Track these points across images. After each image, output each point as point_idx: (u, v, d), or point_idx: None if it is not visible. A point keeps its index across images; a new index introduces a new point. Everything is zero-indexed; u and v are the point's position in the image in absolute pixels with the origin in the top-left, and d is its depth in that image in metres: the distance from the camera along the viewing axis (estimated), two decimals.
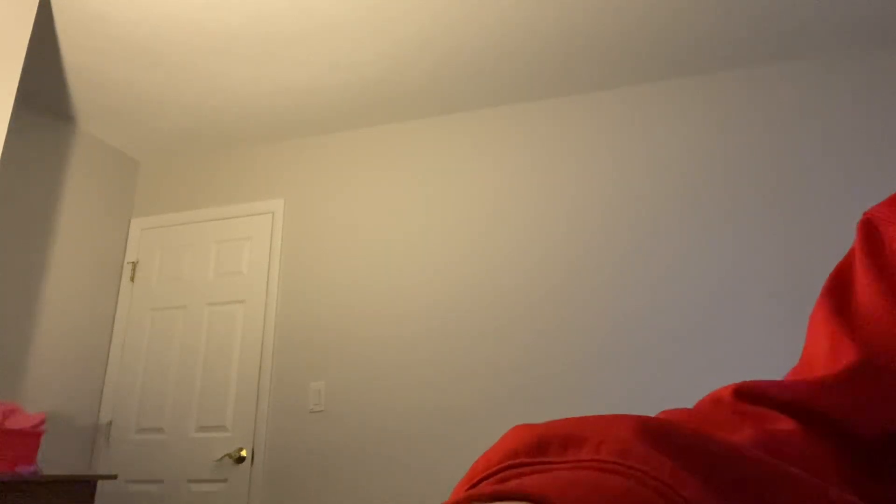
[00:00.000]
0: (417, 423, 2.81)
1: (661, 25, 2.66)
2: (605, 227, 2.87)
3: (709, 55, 2.84)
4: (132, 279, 3.41)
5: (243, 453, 2.95)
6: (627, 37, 2.72)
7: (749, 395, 0.31)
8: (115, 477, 2.64)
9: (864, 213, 0.36)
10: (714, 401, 0.31)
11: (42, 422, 2.43)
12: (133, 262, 3.43)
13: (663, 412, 0.30)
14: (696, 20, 2.63)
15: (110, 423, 3.17)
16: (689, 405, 2.56)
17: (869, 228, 0.35)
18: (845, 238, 2.57)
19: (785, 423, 0.29)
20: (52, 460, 2.92)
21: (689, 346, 2.62)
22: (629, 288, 2.75)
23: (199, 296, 3.29)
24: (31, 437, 2.41)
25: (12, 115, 2.96)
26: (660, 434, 0.23)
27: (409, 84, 3.02)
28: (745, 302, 2.60)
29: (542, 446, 0.23)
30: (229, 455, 2.96)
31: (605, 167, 2.96)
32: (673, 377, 2.60)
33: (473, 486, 0.23)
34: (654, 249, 2.78)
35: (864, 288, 0.33)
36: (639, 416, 0.24)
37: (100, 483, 3.05)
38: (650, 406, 2.59)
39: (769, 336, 2.54)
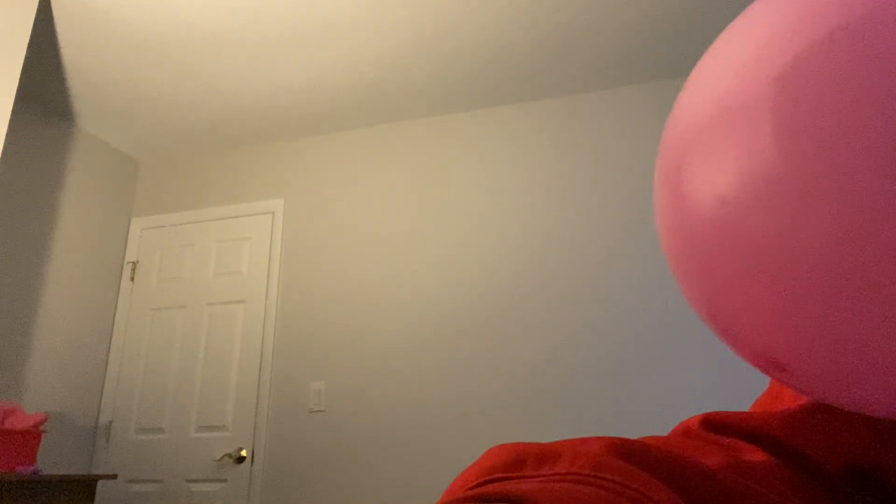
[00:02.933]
0: (417, 423, 2.81)
1: (662, 25, 2.66)
2: (613, 228, 2.87)
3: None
4: (132, 279, 3.41)
5: (243, 453, 2.95)
6: (628, 37, 2.72)
7: (717, 425, 0.31)
8: (114, 477, 2.64)
9: None
10: (684, 431, 0.32)
11: (42, 422, 2.44)
12: (133, 262, 3.43)
13: (639, 439, 0.30)
14: (697, 20, 2.63)
15: (110, 423, 3.17)
16: (690, 405, 2.57)
17: None
18: None
19: (754, 454, 0.29)
20: (52, 460, 2.92)
21: (689, 346, 2.62)
22: (631, 289, 2.75)
23: (199, 296, 3.29)
24: (31, 437, 2.41)
25: (12, 115, 2.96)
26: (632, 451, 0.24)
27: (409, 84, 3.02)
28: None
29: (518, 462, 0.23)
30: (229, 455, 2.96)
31: (609, 166, 2.96)
32: (673, 378, 2.60)
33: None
34: (653, 249, 2.78)
35: None
36: (612, 437, 0.26)
37: (100, 483, 3.05)
38: (650, 406, 2.59)
39: None
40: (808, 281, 0.24)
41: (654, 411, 2.58)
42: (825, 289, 0.23)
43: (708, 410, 2.33)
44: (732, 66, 0.27)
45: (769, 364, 0.28)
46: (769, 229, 0.24)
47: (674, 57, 2.86)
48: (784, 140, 0.24)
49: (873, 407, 0.26)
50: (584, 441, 0.25)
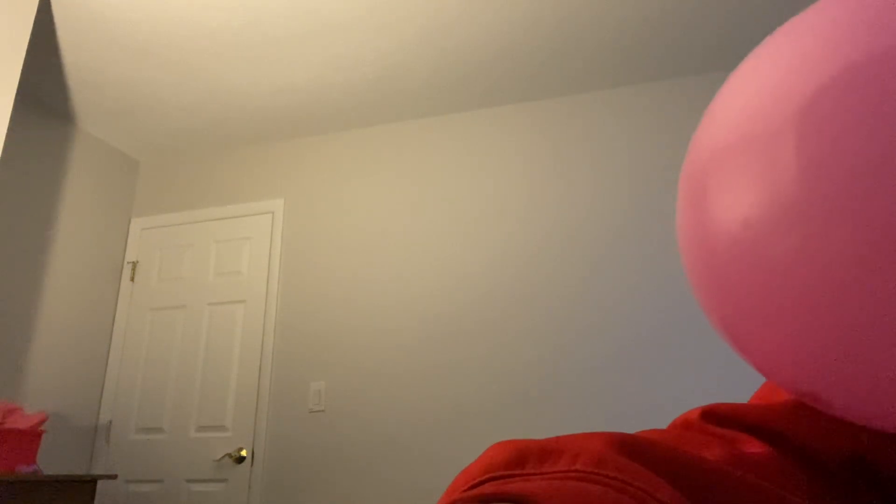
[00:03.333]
0: (417, 423, 2.81)
1: (662, 25, 2.66)
2: (612, 227, 2.87)
3: (709, 55, 2.84)
4: (132, 279, 3.41)
5: (243, 453, 2.96)
6: (628, 37, 2.72)
7: (717, 417, 0.32)
8: (114, 477, 2.64)
9: None
10: (684, 423, 0.32)
11: (42, 422, 2.44)
12: (133, 262, 3.43)
13: (636, 433, 0.30)
14: (696, 20, 2.63)
15: (110, 423, 3.17)
16: (690, 405, 2.57)
17: None
18: None
19: (754, 446, 0.29)
20: (52, 460, 2.92)
21: (689, 346, 2.62)
22: (630, 289, 2.75)
23: (199, 296, 3.29)
24: (31, 437, 2.41)
25: (12, 115, 2.96)
26: (634, 447, 0.24)
27: (409, 84, 3.02)
28: None
29: (520, 460, 0.23)
30: (229, 455, 2.97)
31: (608, 166, 2.96)
32: (673, 377, 2.60)
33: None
34: (653, 249, 2.78)
35: None
36: (613, 433, 0.25)
37: (100, 483, 3.05)
38: (651, 406, 2.59)
39: None
40: (828, 303, 0.24)
41: (655, 411, 2.58)
42: (845, 312, 0.24)
43: None
44: (758, 92, 0.27)
45: (798, 393, 0.28)
46: (790, 250, 0.25)
47: (674, 57, 2.86)
48: (806, 167, 0.24)
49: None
50: (586, 437, 0.25)
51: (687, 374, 2.59)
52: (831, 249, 0.24)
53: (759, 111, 0.27)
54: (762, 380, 2.55)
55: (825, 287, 0.24)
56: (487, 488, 0.21)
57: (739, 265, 0.27)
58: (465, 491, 0.23)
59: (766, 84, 0.27)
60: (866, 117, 0.23)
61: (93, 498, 2.57)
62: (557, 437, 0.25)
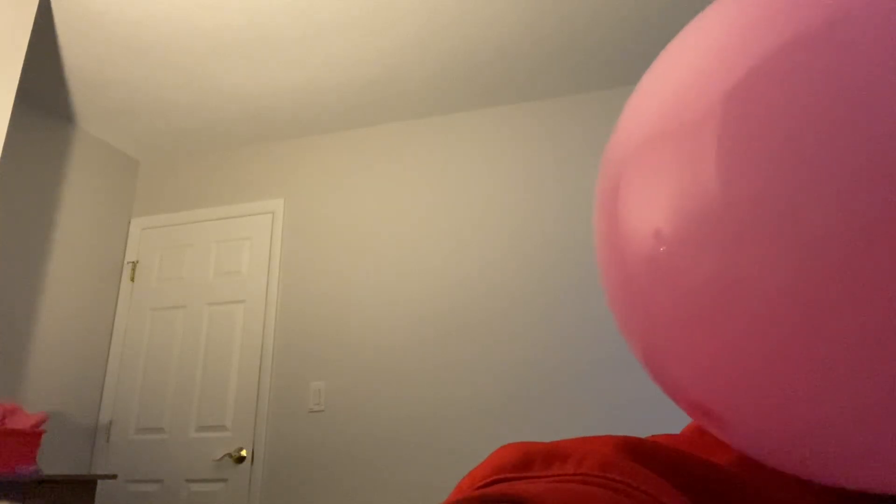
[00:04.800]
0: (417, 423, 2.81)
1: (661, 26, 2.66)
2: None
3: None
4: (132, 279, 3.41)
5: (243, 453, 2.96)
6: (628, 37, 2.72)
7: None
8: (114, 477, 2.64)
9: None
10: (698, 427, 0.32)
11: (42, 422, 2.44)
12: (133, 262, 3.43)
13: (649, 437, 0.30)
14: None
15: (110, 423, 3.17)
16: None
17: None
18: None
19: None
20: (52, 460, 2.92)
21: None
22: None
23: (199, 296, 3.29)
24: (31, 437, 2.41)
25: (12, 115, 2.96)
26: (641, 451, 0.24)
27: (409, 84, 3.02)
28: None
29: (526, 462, 0.23)
30: (229, 455, 2.97)
31: None
32: None
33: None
34: None
35: None
36: (621, 436, 0.25)
37: (100, 483, 3.05)
38: (653, 405, 2.59)
39: None
40: (748, 331, 0.20)
41: (656, 409, 2.58)
42: (768, 341, 0.20)
43: None
44: (677, 82, 0.23)
45: (704, 416, 0.25)
46: (707, 270, 0.21)
47: None
48: (727, 164, 0.20)
49: (818, 473, 0.23)
50: (592, 440, 0.25)
51: None
52: (754, 267, 0.20)
53: (678, 99, 0.23)
54: None
55: (746, 314, 0.20)
56: (493, 490, 0.21)
57: (654, 287, 0.23)
58: (471, 492, 0.23)
59: (689, 69, 0.23)
60: (803, 101, 0.19)
61: (93, 498, 2.57)
62: (564, 441, 0.25)
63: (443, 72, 2.93)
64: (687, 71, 0.23)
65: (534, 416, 2.69)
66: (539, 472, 0.23)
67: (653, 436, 0.30)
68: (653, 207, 0.23)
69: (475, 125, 3.21)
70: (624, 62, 2.89)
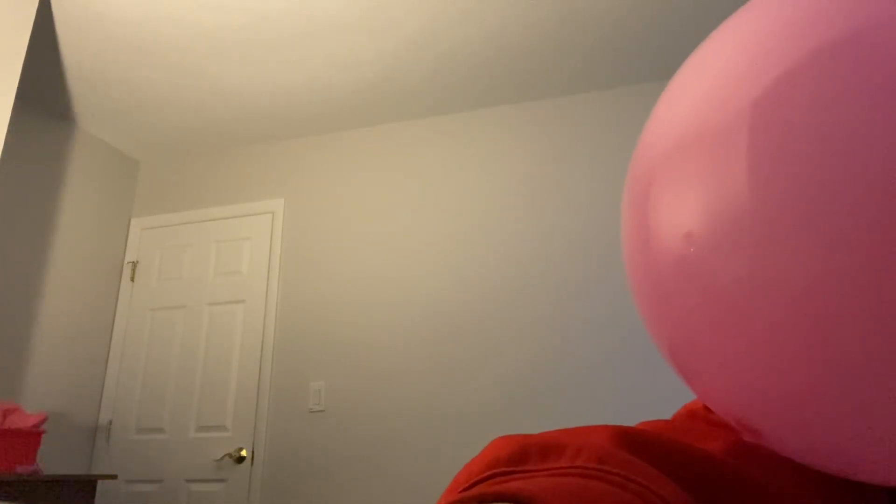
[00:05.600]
0: (417, 423, 2.81)
1: (660, 26, 2.66)
2: (611, 227, 2.87)
3: None
4: (132, 279, 3.41)
5: (243, 453, 2.95)
6: (627, 37, 2.72)
7: None
8: (115, 477, 2.64)
9: None
10: (689, 413, 0.32)
11: (42, 422, 2.44)
12: (133, 262, 3.43)
13: (641, 423, 0.30)
14: (695, 20, 2.63)
15: (110, 423, 3.17)
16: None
17: None
18: None
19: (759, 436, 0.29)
20: (52, 460, 2.92)
21: None
22: (629, 286, 2.75)
23: (199, 296, 3.29)
24: (31, 437, 2.41)
25: (12, 115, 2.96)
26: (637, 441, 0.24)
27: (409, 84, 3.02)
28: None
29: (522, 456, 0.23)
30: (229, 455, 2.96)
31: (608, 166, 2.96)
32: (675, 376, 2.60)
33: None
34: None
35: None
36: (616, 426, 0.25)
37: (100, 483, 3.05)
38: (652, 405, 2.59)
39: None
40: (776, 332, 0.20)
41: (656, 408, 2.58)
42: (795, 341, 0.20)
43: None
44: (707, 87, 0.24)
45: (741, 427, 0.25)
46: (737, 272, 0.21)
47: (673, 57, 2.85)
48: (757, 169, 0.21)
49: (869, 475, 0.23)
50: (588, 431, 0.25)
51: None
52: (783, 269, 0.20)
53: (707, 106, 0.23)
54: None
55: (777, 316, 0.20)
56: (488, 487, 0.21)
57: (684, 287, 0.23)
58: (466, 488, 0.23)
59: (718, 75, 0.23)
60: (832, 110, 0.20)
61: (93, 498, 2.57)
62: (559, 432, 0.25)
63: (443, 72, 2.93)
64: (717, 76, 0.24)
65: (534, 416, 2.69)
66: (535, 466, 0.22)
67: (644, 422, 0.30)
68: (684, 211, 0.23)
69: (475, 125, 3.21)
70: (624, 62, 2.89)
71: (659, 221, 0.24)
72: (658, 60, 2.88)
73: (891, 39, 0.20)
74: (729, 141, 0.22)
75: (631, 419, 2.59)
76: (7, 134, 2.68)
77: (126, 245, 3.48)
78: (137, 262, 3.44)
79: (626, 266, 0.28)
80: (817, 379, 0.21)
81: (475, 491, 0.20)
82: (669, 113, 0.26)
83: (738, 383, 0.23)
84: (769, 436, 0.24)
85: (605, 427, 0.25)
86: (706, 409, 0.31)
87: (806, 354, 0.20)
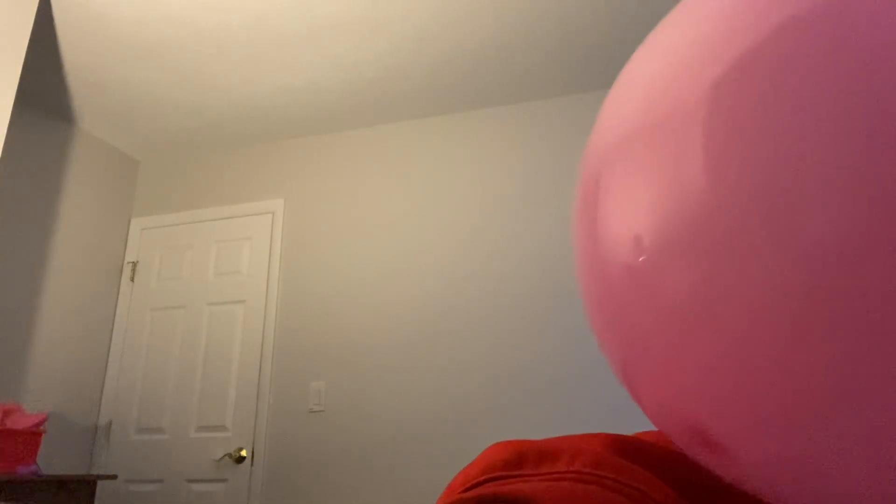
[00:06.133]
0: (417, 423, 2.81)
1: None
2: None
3: None
4: (132, 279, 3.41)
5: (243, 453, 2.95)
6: (626, 37, 2.72)
7: None
8: (115, 477, 2.64)
9: None
10: None
11: (42, 422, 2.43)
12: (133, 262, 3.43)
13: (636, 434, 0.30)
14: None
15: (110, 424, 3.17)
16: None
17: None
18: None
19: None
20: (52, 460, 2.92)
21: None
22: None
23: (199, 296, 3.29)
24: (31, 437, 2.41)
25: (12, 115, 2.96)
26: (630, 448, 0.24)
27: (409, 84, 3.02)
28: None
29: (519, 460, 0.23)
30: (229, 455, 2.96)
31: None
32: None
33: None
34: None
35: None
36: (611, 434, 0.25)
37: (100, 483, 3.05)
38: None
39: None
40: (735, 349, 0.18)
41: None
42: (756, 358, 0.18)
43: None
44: (662, 71, 0.21)
45: (698, 442, 0.22)
46: (691, 282, 0.18)
47: None
48: (714, 162, 0.17)
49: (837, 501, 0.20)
50: (584, 438, 0.25)
51: None
52: (743, 275, 0.17)
53: (659, 95, 0.20)
54: None
55: (736, 327, 0.17)
56: (485, 489, 0.21)
57: (634, 301, 0.20)
58: (463, 491, 0.23)
59: (668, 65, 0.20)
60: (797, 91, 0.17)
61: (93, 498, 2.57)
62: (555, 438, 0.25)
63: (442, 72, 2.93)
64: (670, 61, 0.20)
65: (533, 417, 2.69)
66: (531, 471, 0.23)
67: (638, 433, 0.30)
68: (632, 212, 0.20)
69: (475, 125, 3.21)
70: (623, 62, 2.89)
71: (606, 225, 0.21)
72: None
73: (859, 17, 0.17)
74: (682, 130, 0.18)
75: (628, 420, 2.59)
76: (7, 134, 2.68)
77: (126, 245, 3.48)
78: (137, 262, 3.44)
79: (578, 278, 0.25)
80: (785, 406, 0.18)
81: (473, 493, 0.20)
82: (619, 103, 0.22)
83: (694, 406, 0.20)
84: (736, 457, 0.22)
85: (601, 434, 0.25)
86: None
87: (769, 372, 0.17)
